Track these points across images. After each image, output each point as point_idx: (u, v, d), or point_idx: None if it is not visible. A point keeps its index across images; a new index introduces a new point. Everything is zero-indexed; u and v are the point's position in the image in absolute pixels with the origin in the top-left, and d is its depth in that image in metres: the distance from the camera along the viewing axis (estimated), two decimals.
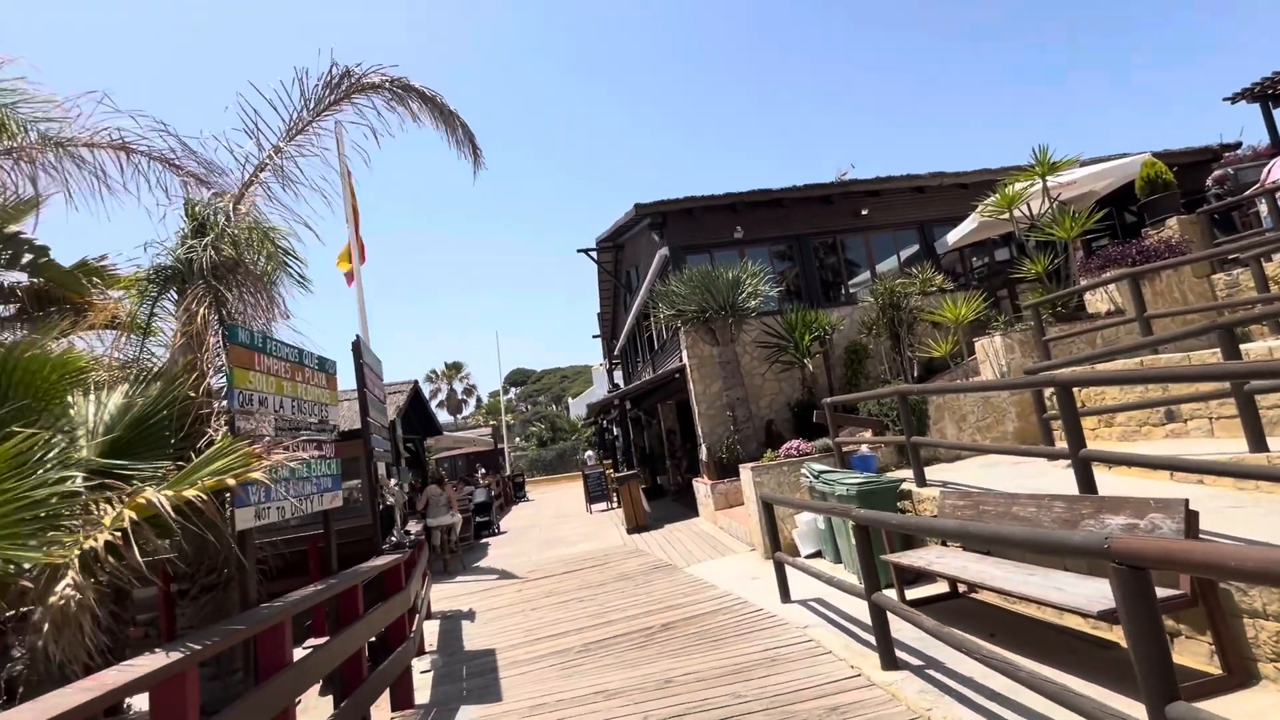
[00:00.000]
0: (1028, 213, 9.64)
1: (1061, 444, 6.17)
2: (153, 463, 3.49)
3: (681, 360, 12.50)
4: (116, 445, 3.59)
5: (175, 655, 2.18)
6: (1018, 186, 9.25)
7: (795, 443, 8.26)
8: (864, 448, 7.86)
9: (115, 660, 2.83)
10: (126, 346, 5.22)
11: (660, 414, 17.90)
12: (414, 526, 7.01)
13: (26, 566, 2.66)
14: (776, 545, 6.08)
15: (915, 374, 10.67)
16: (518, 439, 51.29)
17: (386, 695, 4.68)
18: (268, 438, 3.16)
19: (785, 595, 5.90)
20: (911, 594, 5.21)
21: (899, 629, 4.24)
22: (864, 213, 13.04)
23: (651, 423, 19.22)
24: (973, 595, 5.12)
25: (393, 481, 6.06)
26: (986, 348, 8.77)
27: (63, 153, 3.91)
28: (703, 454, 11.54)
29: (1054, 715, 2.99)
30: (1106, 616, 2.92)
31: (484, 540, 13.82)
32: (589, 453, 21.39)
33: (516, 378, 79.60)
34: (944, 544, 5.27)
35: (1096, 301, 8.81)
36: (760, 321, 11.68)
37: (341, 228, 7.04)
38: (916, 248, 13.56)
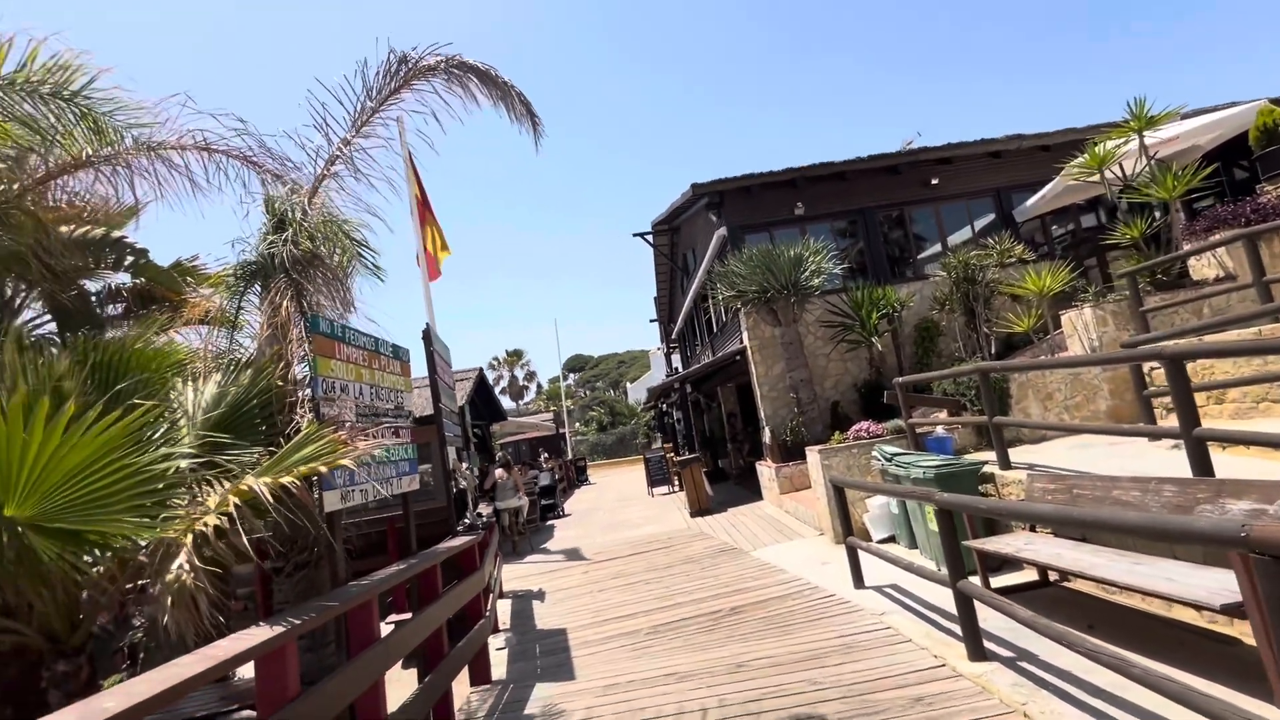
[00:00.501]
0: (1120, 174, 8.89)
1: (1165, 422, 5.69)
2: (245, 448, 3.69)
3: (742, 342, 12.30)
4: (214, 432, 3.81)
5: (278, 629, 2.29)
6: (1110, 145, 8.52)
7: (864, 424, 7.99)
8: (939, 429, 7.51)
9: (222, 632, 3.02)
10: (219, 339, 5.56)
11: (720, 397, 17.73)
12: (485, 509, 7.21)
13: (143, 543, 2.87)
14: (848, 530, 5.90)
15: (993, 351, 10.10)
16: (577, 424, 52.13)
17: (465, 669, 4.85)
18: (350, 423, 3.27)
19: (859, 581, 5.74)
20: (996, 582, 4.95)
21: (984, 618, 4.03)
22: (934, 182, 12.37)
23: (711, 406, 19.08)
24: (1064, 584, 4.81)
25: (464, 465, 6.23)
26: (1075, 321, 8.18)
27: (155, 156, 4.14)
28: (766, 437, 11.36)
29: (1169, 715, 2.76)
30: (1231, 610, 2.66)
31: (549, 523, 14.13)
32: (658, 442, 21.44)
33: (574, 364, 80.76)
34: (1032, 529, 4.98)
35: (1203, 267, 8.05)
36: (824, 300, 11.33)
37: (408, 217, 7.23)
38: (992, 217, 12.78)
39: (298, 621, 2.36)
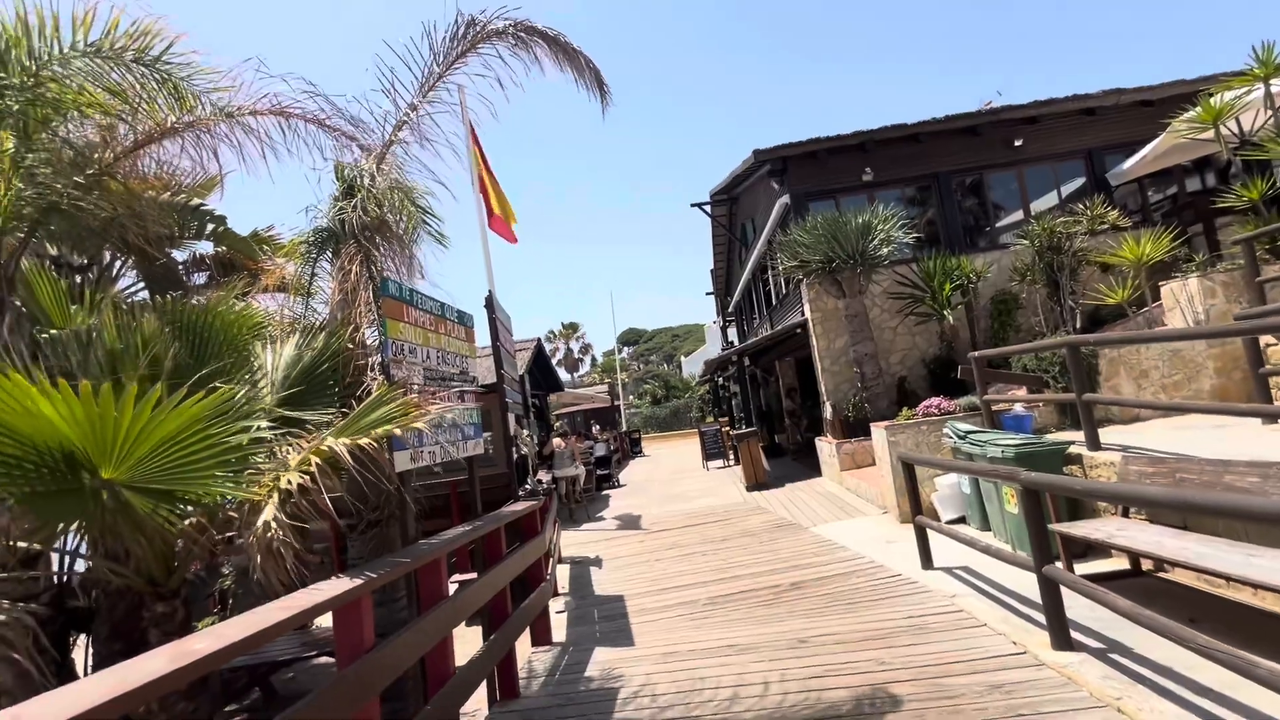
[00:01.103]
0: (1237, 129, 7.99)
1: None
2: (320, 409, 3.81)
3: (803, 314, 11.94)
4: (291, 393, 3.95)
5: (355, 583, 2.35)
6: (1227, 96, 7.65)
7: (936, 400, 7.62)
8: (1018, 406, 7.09)
9: (304, 584, 3.15)
10: (293, 305, 5.76)
11: (778, 371, 17.38)
12: (544, 476, 7.32)
13: (230, 499, 3.00)
14: (917, 508, 5.66)
15: (1077, 325, 9.42)
16: (631, 397, 52.47)
17: (527, 630, 4.95)
18: (418, 386, 3.31)
19: (927, 561, 5.51)
20: (1080, 569, 4.64)
21: (1068, 607, 3.78)
22: (1017, 144, 11.51)
23: (769, 380, 18.74)
24: (1158, 574, 4.47)
25: (525, 432, 6.31)
26: (1177, 293, 7.49)
27: (233, 122, 4.25)
28: (827, 412, 11.06)
29: None
30: None
31: (605, 492, 14.32)
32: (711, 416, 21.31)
33: (629, 337, 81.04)
34: (1125, 515, 4.62)
35: None
36: (892, 271, 10.81)
37: (468, 184, 7.26)
38: (1081, 181, 11.82)
39: (373, 575, 2.41)
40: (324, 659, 5.53)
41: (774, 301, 15.86)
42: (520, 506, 4.80)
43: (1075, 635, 3.60)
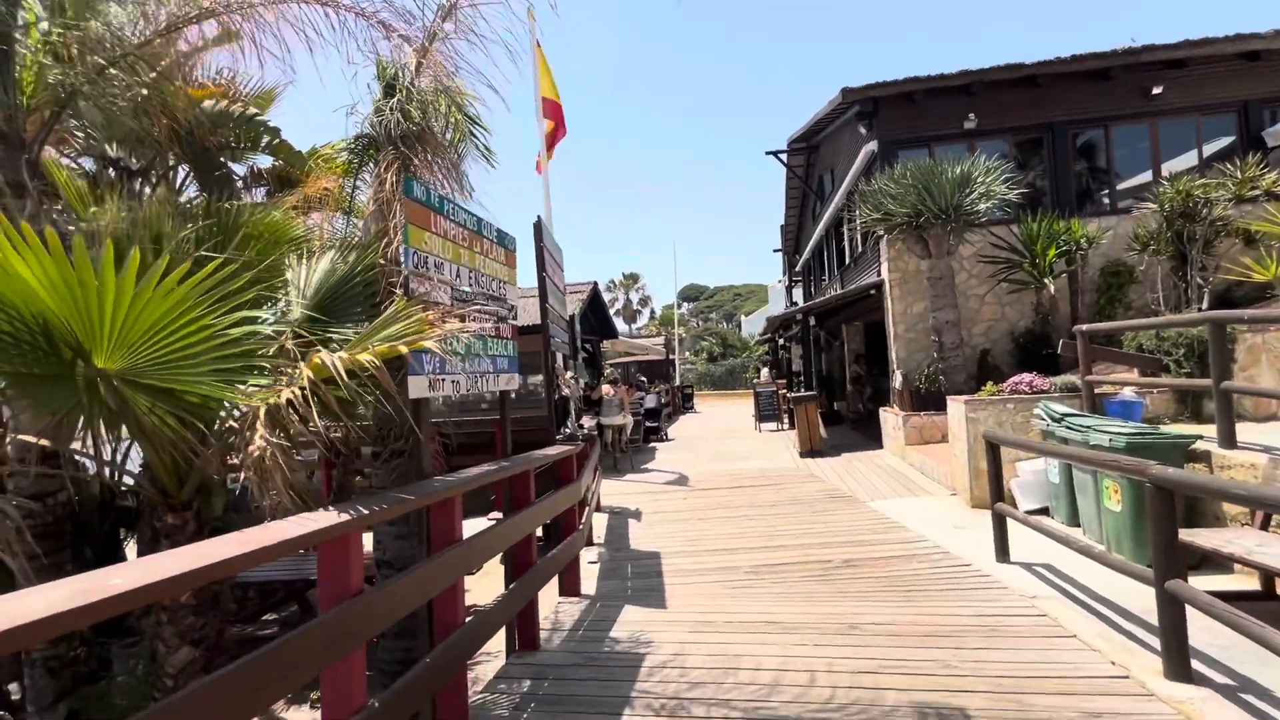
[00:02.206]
0: None
1: None
2: (346, 326, 3.51)
3: (879, 275, 11.01)
4: (318, 308, 3.67)
5: (343, 517, 2.04)
6: None
7: (1027, 377, 6.77)
8: (1127, 390, 6.19)
9: (309, 508, 2.90)
10: (334, 221, 5.51)
11: (845, 335, 16.43)
12: (588, 421, 7.01)
13: (238, 409, 2.75)
14: (998, 494, 5.00)
15: (1204, 305, 8.19)
16: (688, 353, 51.93)
17: (555, 579, 4.70)
18: (442, 306, 2.95)
19: (1003, 553, 4.90)
20: (1195, 583, 3.94)
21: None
22: (1155, 91, 9.95)
23: (833, 344, 17.81)
24: None
25: (569, 374, 5.96)
26: None
27: (276, 9, 3.87)
28: (895, 381, 10.25)
29: None
30: None
31: (652, 445, 14.06)
32: (765, 371, 20.57)
33: (690, 293, 79.89)
34: (1264, 527, 3.87)
35: None
36: (987, 232, 9.70)
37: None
38: (1231, 139, 10.18)
39: (365, 511, 2.08)
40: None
41: (847, 260, 14.83)
42: (555, 450, 4.47)
43: (1195, 665, 2.98)
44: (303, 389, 2.31)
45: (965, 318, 9.82)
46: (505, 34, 4.12)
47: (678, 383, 26.44)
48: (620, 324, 53.72)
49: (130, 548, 5.29)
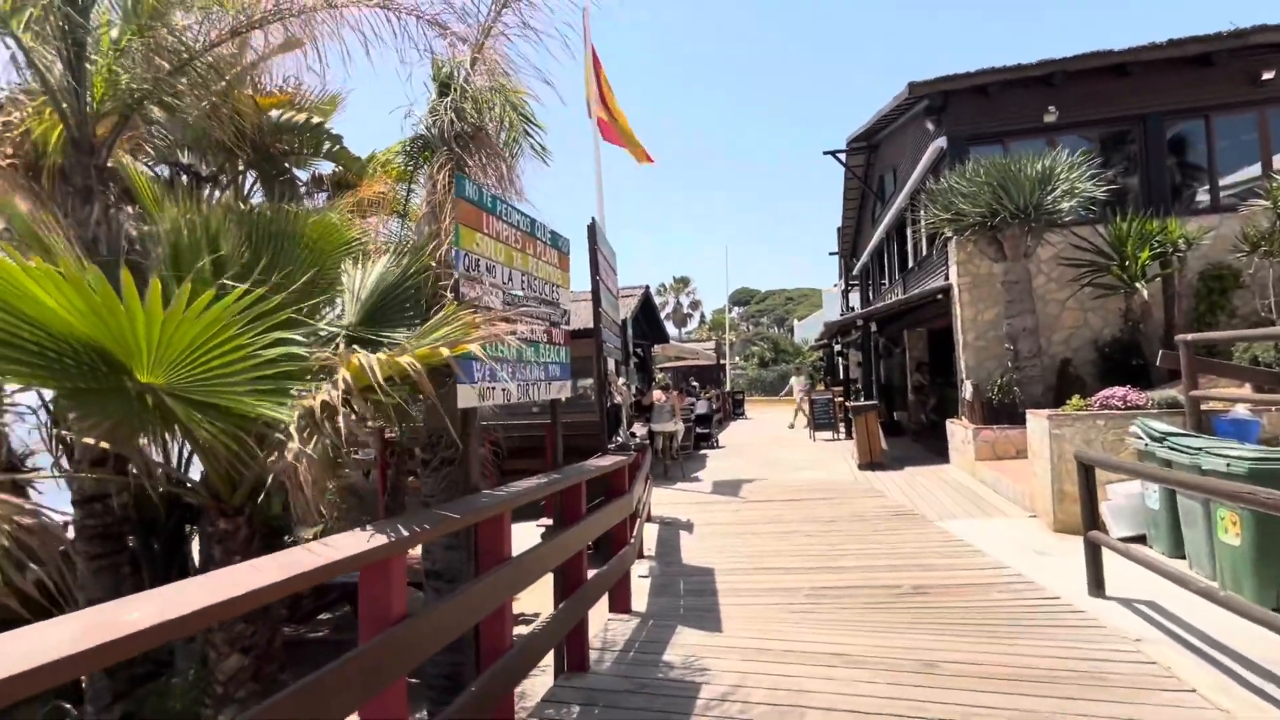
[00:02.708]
0: None
1: None
2: (397, 331, 3.43)
3: (947, 279, 10.42)
4: (370, 313, 3.60)
5: (379, 540, 1.89)
6: None
7: (1120, 390, 6.19)
8: (1240, 408, 5.55)
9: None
10: (390, 224, 5.50)
11: (906, 342, 15.72)
12: (639, 429, 6.82)
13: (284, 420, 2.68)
14: (1092, 521, 4.53)
15: None
16: (738, 358, 51.25)
17: (605, 595, 4.52)
18: (492, 310, 2.81)
19: (1097, 587, 4.42)
20: None
21: None
22: (1266, 77, 9.04)
23: (894, 351, 17.07)
24: None
25: (621, 380, 5.78)
26: None
27: (336, 12, 3.84)
28: (965, 392, 9.64)
29: None
30: None
31: (703, 452, 13.76)
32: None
33: (740, 297, 78.89)
34: None
35: None
36: (1069, 233, 9.02)
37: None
38: None
39: (406, 534, 1.94)
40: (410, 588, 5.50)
41: (910, 264, 14.17)
42: (607, 461, 4.28)
43: None
44: (341, 394, 2.19)
45: (1043, 325, 9.15)
46: (563, 27, 3.99)
47: (729, 388, 26.00)
48: (670, 328, 53.52)
49: (196, 543, 5.43)
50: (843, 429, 14.89)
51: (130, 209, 4.23)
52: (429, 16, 3.64)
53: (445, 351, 2.11)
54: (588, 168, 9.24)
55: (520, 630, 6.15)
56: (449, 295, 2.80)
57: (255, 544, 3.24)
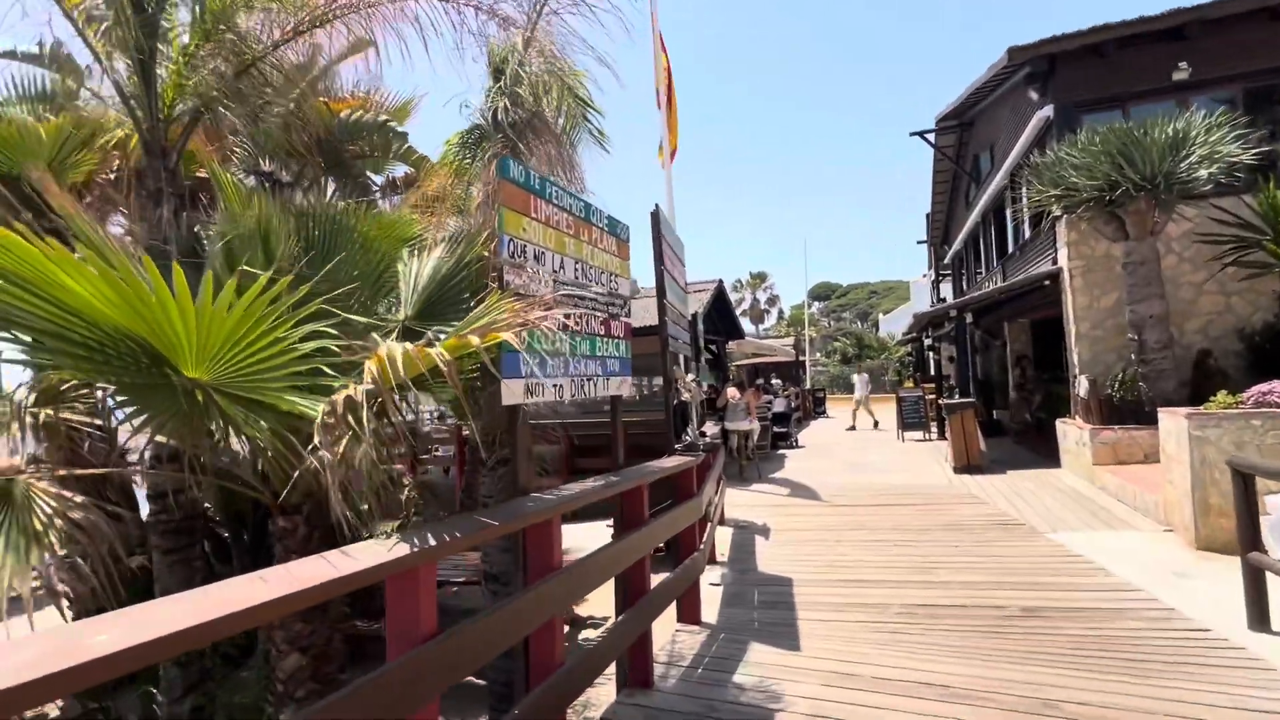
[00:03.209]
0: None
1: None
2: (450, 324, 3.30)
3: (1056, 262, 9.39)
4: (422, 306, 3.51)
5: (404, 549, 1.71)
6: None
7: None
8: None
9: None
10: (448, 220, 5.46)
11: (1007, 335, 14.43)
12: (711, 428, 6.49)
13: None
14: (1252, 540, 3.79)
15: None
16: (819, 354, 49.56)
17: (673, 604, 4.25)
18: (542, 299, 2.61)
19: (1260, 621, 3.70)
20: None
21: None
22: None
23: (992, 344, 15.75)
24: None
25: (690, 377, 5.49)
26: None
27: (397, 6, 3.78)
28: (1079, 388, 8.64)
29: None
30: None
31: (781, 452, 13.19)
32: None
33: (820, 291, 76.43)
34: None
35: None
36: (1208, 205, 7.85)
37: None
38: None
39: (433, 543, 1.75)
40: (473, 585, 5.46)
41: (1010, 248, 12.98)
42: (671, 462, 4.01)
43: None
44: (366, 390, 2.03)
45: (1174, 311, 8.03)
46: (622, 1, 3.75)
47: (808, 385, 25.03)
48: (747, 325, 52.45)
49: None
50: (934, 429, 13.88)
51: (203, 212, 4.38)
52: (486, 6, 3.49)
53: (475, 340, 1.91)
54: (652, 155, 9.00)
55: (587, 635, 6.00)
56: (494, 285, 2.62)
57: (315, 542, 3.21)
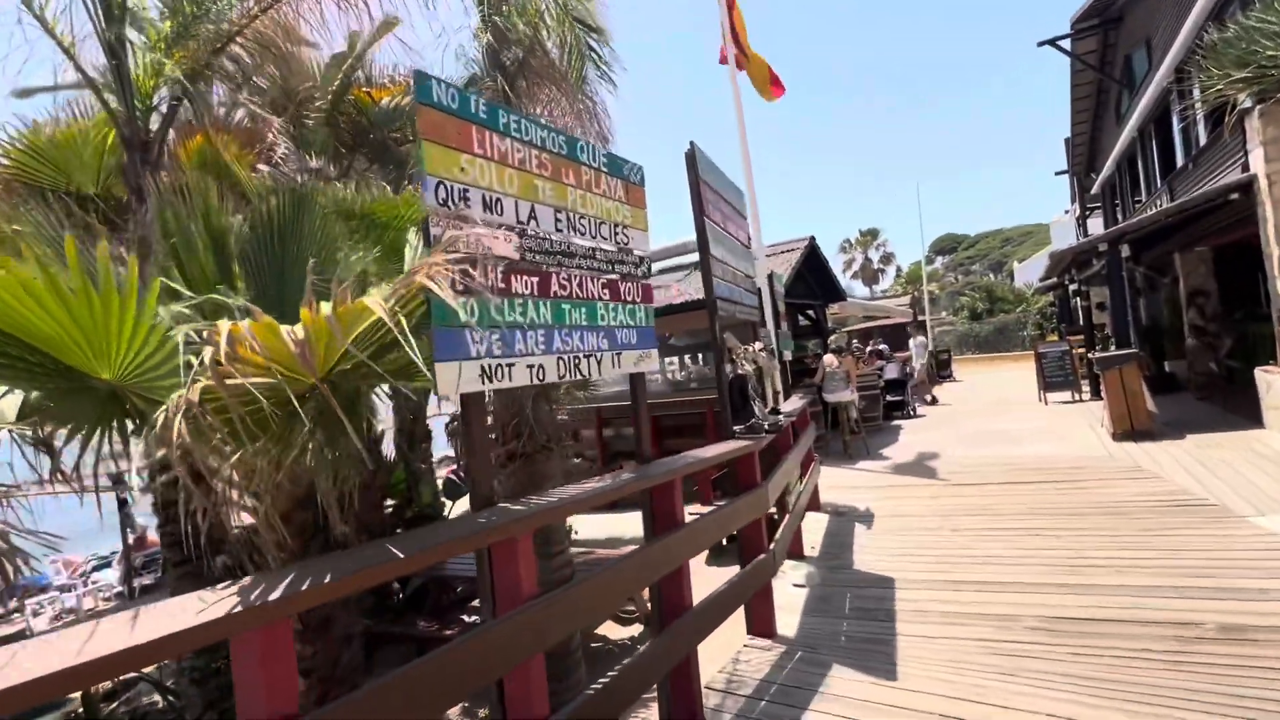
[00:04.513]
0: None
1: None
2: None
3: (1248, 169, 7.37)
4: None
5: (273, 594, 1.22)
6: None
7: None
8: None
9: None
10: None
11: (1178, 268, 11.91)
12: (794, 403, 5.67)
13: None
14: None
15: None
16: (944, 312, 45.36)
17: (743, 613, 3.60)
18: (500, 261, 2.03)
19: None
20: None
21: None
22: None
23: (1159, 283, 13.16)
24: None
25: (757, 345, 4.72)
26: None
27: None
28: None
29: None
30: None
31: (895, 423, 11.84)
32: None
33: (944, 244, 69.94)
34: None
35: None
36: None
37: None
38: None
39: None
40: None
41: (1179, 161, 10.61)
42: (715, 450, 3.32)
43: None
44: (213, 375, 1.57)
45: None
46: None
47: (932, 347, 22.71)
48: (859, 286, 49.04)
49: None
50: (1086, 387, 11.85)
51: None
52: None
53: (372, 305, 1.38)
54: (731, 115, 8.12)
55: (627, 634, 5.48)
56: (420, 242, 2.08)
57: (310, 551, 2.91)
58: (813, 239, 12.34)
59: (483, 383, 2.02)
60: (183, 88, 3.22)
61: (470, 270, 1.76)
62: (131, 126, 3.14)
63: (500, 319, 2.10)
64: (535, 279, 2.30)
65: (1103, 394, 8.59)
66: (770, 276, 6.49)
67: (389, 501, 7.23)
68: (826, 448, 9.47)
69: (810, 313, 14.39)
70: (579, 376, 2.47)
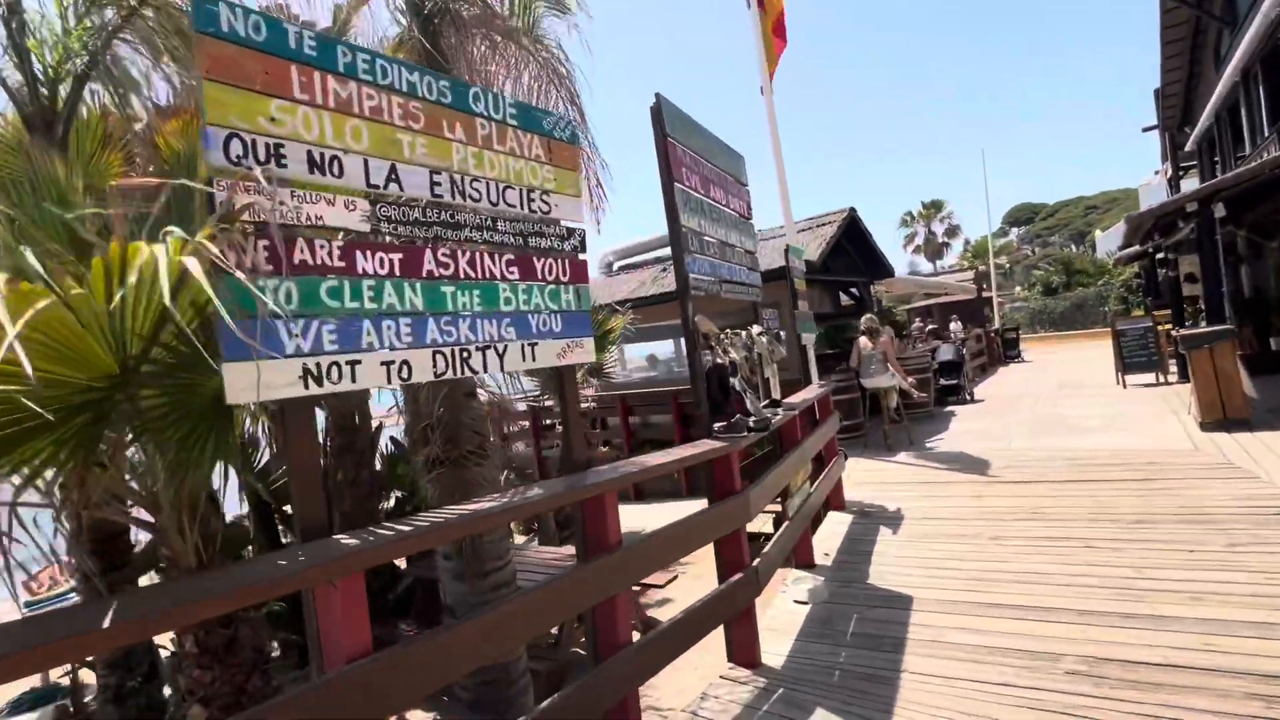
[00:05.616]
0: None
1: None
2: None
3: None
4: None
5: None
6: None
7: None
8: None
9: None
10: None
11: None
12: (804, 395, 5.06)
13: None
14: None
15: None
16: (1018, 287, 42.43)
17: (720, 633, 3.13)
18: (329, 230, 1.61)
19: None
20: None
21: None
22: None
23: (1264, 249, 11.52)
24: None
25: (756, 329, 4.15)
26: None
27: None
28: None
29: None
30: None
31: (949, 409, 10.87)
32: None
33: (1020, 214, 65.48)
34: None
35: None
36: None
37: None
38: None
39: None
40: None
41: None
42: (671, 456, 2.82)
43: None
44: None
45: None
46: None
47: (996, 325, 21.08)
48: (922, 261, 46.37)
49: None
50: (1173, 368, 10.53)
51: None
52: None
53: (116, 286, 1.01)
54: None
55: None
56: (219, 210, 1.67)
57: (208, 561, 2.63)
58: (852, 210, 11.38)
59: (306, 386, 1.61)
60: (92, 51, 2.96)
61: (274, 244, 1.34)
62: (38, 103, 2.90)
63: (337, 305, 1.68)
64: (396, 256, 1.87)
65: (1190, 376, 7.48)
66: (787, 251, 5.84)
67: (396, 493, 7.10)
68: (866, 438, 8.73)
69: (854, 291, 13.42)
70: (468, 373, 2.03)
